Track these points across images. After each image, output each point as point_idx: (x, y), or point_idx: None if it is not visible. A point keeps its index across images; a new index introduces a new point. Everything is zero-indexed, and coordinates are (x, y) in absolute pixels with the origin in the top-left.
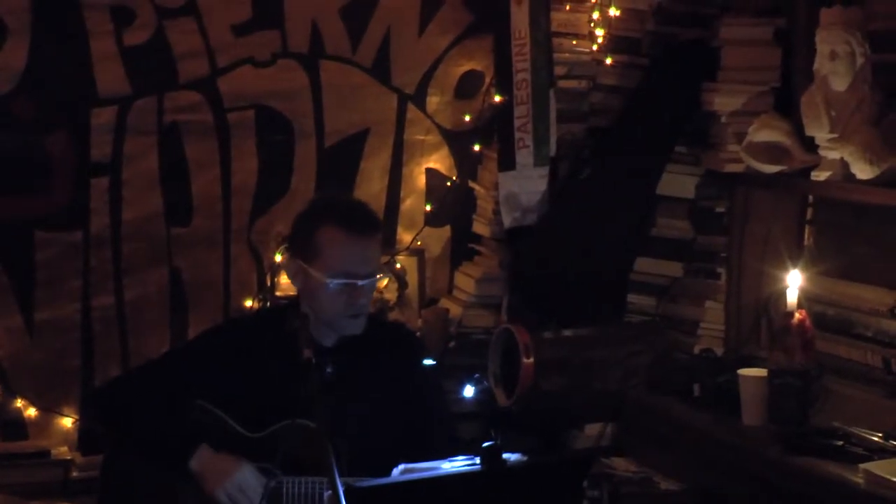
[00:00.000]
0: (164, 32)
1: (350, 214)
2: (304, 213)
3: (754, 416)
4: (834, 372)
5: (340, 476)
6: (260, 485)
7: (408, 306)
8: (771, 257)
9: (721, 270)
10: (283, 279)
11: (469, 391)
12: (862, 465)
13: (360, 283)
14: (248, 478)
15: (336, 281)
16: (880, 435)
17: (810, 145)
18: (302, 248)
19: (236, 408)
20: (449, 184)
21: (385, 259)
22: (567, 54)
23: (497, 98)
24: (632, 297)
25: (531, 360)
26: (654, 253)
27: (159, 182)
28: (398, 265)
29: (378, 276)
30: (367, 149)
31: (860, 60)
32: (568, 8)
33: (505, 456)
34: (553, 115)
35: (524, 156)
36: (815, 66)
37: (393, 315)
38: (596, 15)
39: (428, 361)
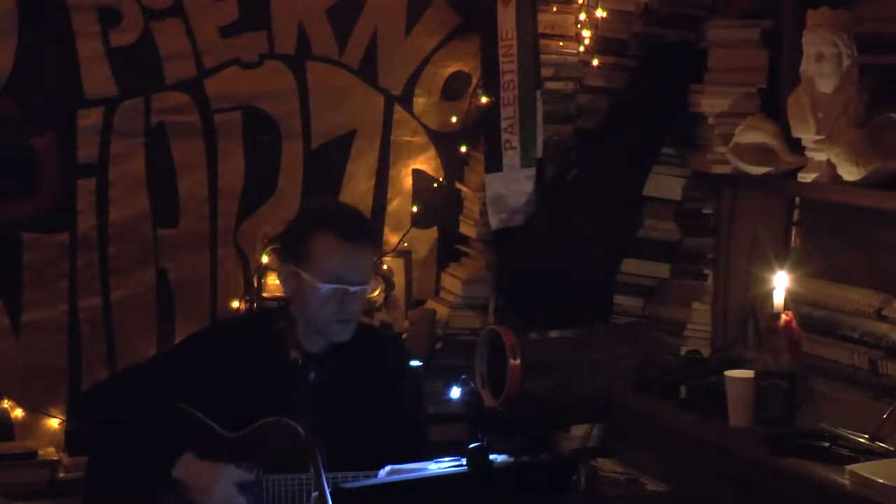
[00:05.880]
0: (151, 34)
1: (347, 222)
2: (299, 218)
3: (741, 417)
4: (820, 373)
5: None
6: (242, 491)
7: (394, 307)
8: (757, 259)
9: (708, 272)
10: (270, 280)
11: (455, 392)
12: (848, 467)
13: (351, 289)
14: (230, 490)
15: (328, 286)
16: (867, 436)
17: (797, 147)
18: (295, 251)
19: (222, 409)
20: (436, 185)
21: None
22: (554, 55)
23: (484, 99)
24: (618, 299)
25: (518, 361)
26: (640, 254)
27: (146, 183)
28: (385, 266)
29: (368, 287)
30: (354, 150)
31: (847, 62)
32: (555, 9)
33: (491, 457)
34: (540, 116)
35: (511, 157)
36: (802, 67)
37: (380, 316)
38: (583, 16)
39: (414, 363)
